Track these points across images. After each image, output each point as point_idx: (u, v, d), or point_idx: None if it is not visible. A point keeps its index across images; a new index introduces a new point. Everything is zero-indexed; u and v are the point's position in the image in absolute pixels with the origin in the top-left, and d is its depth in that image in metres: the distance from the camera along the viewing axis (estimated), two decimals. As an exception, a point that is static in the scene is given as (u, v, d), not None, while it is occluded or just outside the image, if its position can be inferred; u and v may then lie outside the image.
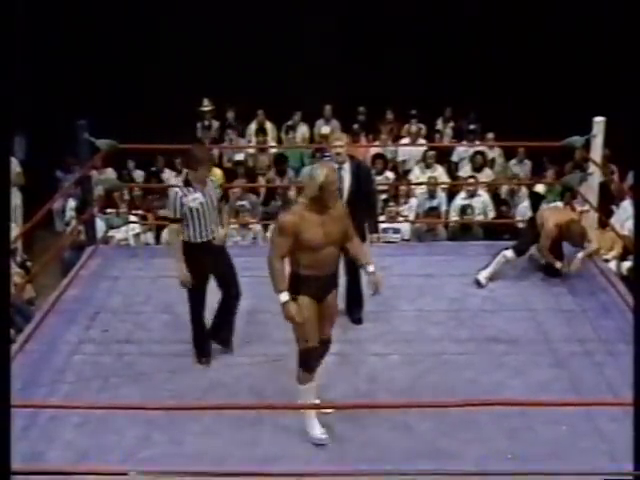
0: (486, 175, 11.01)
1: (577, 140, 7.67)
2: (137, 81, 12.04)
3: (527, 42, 11.90)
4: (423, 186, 10.48)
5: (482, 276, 7.04)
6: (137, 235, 9.50)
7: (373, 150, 11.42)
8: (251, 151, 11.92)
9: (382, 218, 9.39)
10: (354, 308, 6.48)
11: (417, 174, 11.06)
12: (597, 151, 7.58)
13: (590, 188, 7.74)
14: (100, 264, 7.55)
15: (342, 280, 5.94)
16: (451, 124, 12.49)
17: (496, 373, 5.75)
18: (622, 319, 6.39)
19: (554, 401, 5.14)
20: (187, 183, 5.70)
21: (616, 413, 5.05)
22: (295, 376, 5.04)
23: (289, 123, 12.26)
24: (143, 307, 6.77)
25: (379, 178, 10.61)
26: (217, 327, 5.99)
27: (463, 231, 9.56)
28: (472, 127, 11.79)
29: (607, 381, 5.60)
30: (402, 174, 11.37)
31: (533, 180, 10.92)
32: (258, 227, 9.59)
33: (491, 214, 10.11)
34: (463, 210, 9.76)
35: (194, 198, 5.65)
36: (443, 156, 11.52)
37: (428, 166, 11.03)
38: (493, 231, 9.49)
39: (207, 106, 12.36)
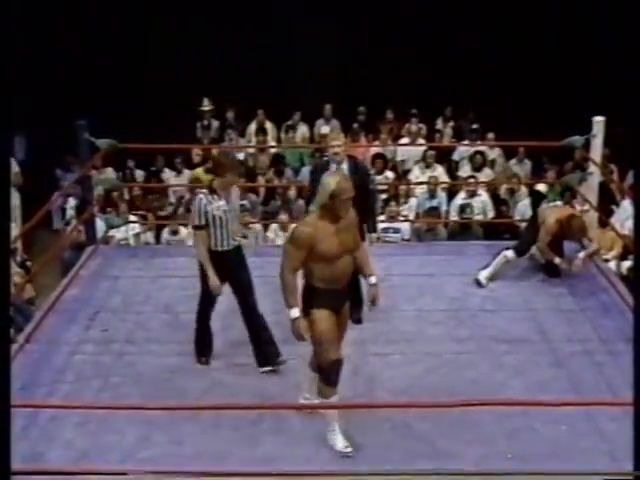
0: (486, 175, 11.02)
1: (577, 140, 7.67)
2: (137, 81, 12.04)
3: (527, 42, 11.90)
4: (423, 186, 10.49)
5: (482, 276, 7.03)
6: (137, 235, 9.51)
7: (373, 150, 11.42)
8: (251, 151, 11.92)
9: (382, 218, 9.41)
10: (354, 308, 6.46)
11: (417, 174, 11.07)
12: (597, 151, 7.58)
13: (590, 188, 7.74)
14: (100, 264, 7.55)
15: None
16: (451, 124, 12.50)
17: (496, 373, 5.75)
18: (622, 319, 6.39)
19: (554, 401, 5.13)
20: (212, 190, 5.62)
21: (616, 413, 5.05)
22: (315, 389, 5.00)
23: (289, 123, 12.26)
24: (143, 307, 6.77)
25: (379, 178, 10.63)
26: (261, 351, 5.85)
27: (462, 230, 9.56)
28: (474, 127, 11.79)
29: (607, 381, 5.60)
30: (402, 174, 11.38)
31: (533, 180, 10.92)
32: (258, 227, 9.59)
33: (490, 214, 10.12)
34: (462, 209, 9.77)
35: (218, 206, 5.58)
36: (443, 156, 11.53)
37: (428, 166, 11.04)
38: (493, 231, 9.49)
39: (207, 106, 12.37)
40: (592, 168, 7.69)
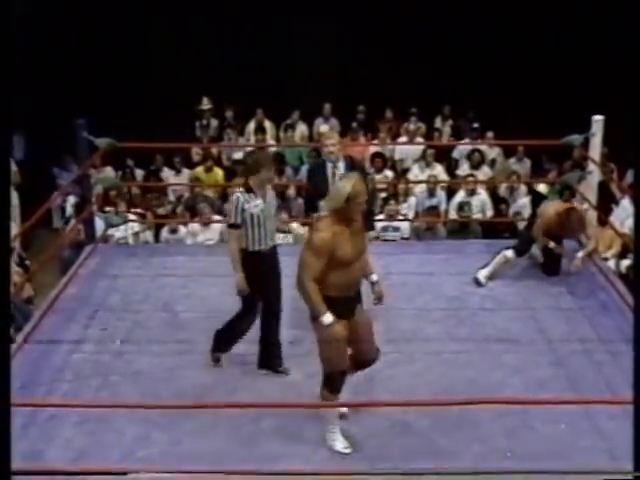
0: (484, 173, 11.03)
1: (576, 139, 7.67)
2: (136, 80, 12.03)
3: (526, 41, 11.90)
4: (422, 184, 10.50)
5: (481, 275, 7.04)
6: (136, 234, 9.50)
7: (372, 149, 11.43)
8: (250, 150, 11.90)
9: (381, 216, 9.41)
10: None
11: (416, 172, 11.07)
12: (596, 149, 7.59)
13: (589, 187, 7.75)
14: (99, 263, 7.55)
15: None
16: (450, 122, 12.50)
17: (495, 372, 5.75)
18: (621, 318, 6.39)
19: (553, 399, 5.14)
20: (248, 189, 5.54)
21: (615, 411, 5.05)
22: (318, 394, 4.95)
23: (288, 122, 12.26)
24: (142, 305, 6.77)
25: (378, 177, 10.63)
26: (266, 355, 5.80)
27: (462, 229, 9.56)
28: (475, 126, 11.79)
29: (606, 379, 5.60)
30: (401, 173, 11.38)
31: (532, 179, 10.92)
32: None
33: (489, 212, 10.12)
34: (460, 207, 9.77)
35: (255, 204, 5.50)
36: (442, 154, 11.53)
37: (427, 164, 11.04)
38: (492, 229, 9.49)
39: (206, 105, 12.37)
40: (591, 167, 7.70)
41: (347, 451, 4.92)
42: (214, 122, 12.36)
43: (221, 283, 7.05)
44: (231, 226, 5.57)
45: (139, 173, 11.48)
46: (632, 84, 5.53)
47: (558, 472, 4.51)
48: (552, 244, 6.95)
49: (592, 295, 6.84)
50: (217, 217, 9.74)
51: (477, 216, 9.87)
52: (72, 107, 9.08)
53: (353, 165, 6.25)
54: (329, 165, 6.14)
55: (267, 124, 12.15)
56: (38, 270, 7.75)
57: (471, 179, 10.41)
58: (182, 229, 9.61)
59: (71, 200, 10.31)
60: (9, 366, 4.00)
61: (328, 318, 4.62)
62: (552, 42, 11.89)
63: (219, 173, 11.22)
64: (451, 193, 10.54)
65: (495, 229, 9.48)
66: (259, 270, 5.55)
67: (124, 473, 4.47)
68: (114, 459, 4.83)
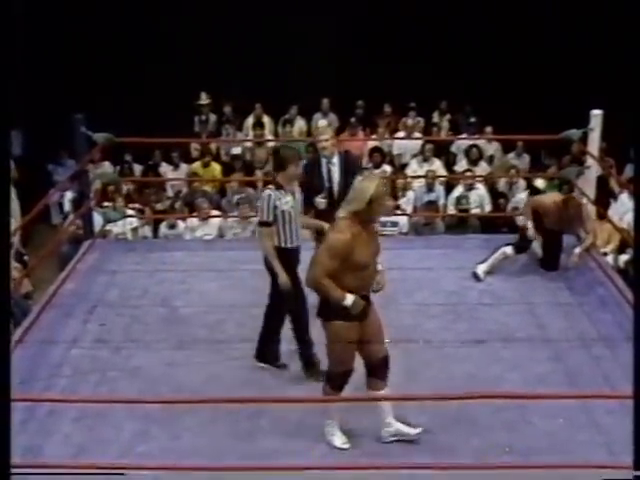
0: (482, 168, 11.03)
1: (574, 133, 7.67)
2: (134, 75, 12.02)
3: (525, 36, 11.89)
4: (421, 179, 10.49)
5: (480, 270, 7.04)
6: (135, 229, 9.50)
7: (371, 143, 11.43)
8: (248, 145, 11.91)
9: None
10: None
11: (415, 167, 11.06)
12: (594, 144, 7.58)
13: (588, 181, 7.74)
14: (97, 258, 7.54)
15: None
16: (448, 117, 12.50)
17: (494, 366, 5.75)
18: (620, 312, 6.39)
19: (551, 394, 5.14)
20: (278, 186, 5.47)
21: (613, 406, 5.06)
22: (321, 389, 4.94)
23: (286, 117, 12.25)
24: (140, 301, 6.77)
25: (377, 172, 10.61)
26: (265, 348, 5.79)
27: (460, 224, 9.56)
28: (472, 120, 11.79)
29: (604, 374, 5.60)
30: (399, 167, 11.38)
31: (531, 174, 10.92)
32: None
33: (488, 207, 10.12)
34: (458, 201, 9.78)
35: (286, 201, 5.46)
36: (441, 149, 11.53)
37: (426, 159, 11.04)
38: (491, 224, 9.49)
39: (204, 100, 12.36)
40: (590, 161, 7.69)
41: (345, 447, 4.92)
42: (212, 117, 12.35)
43: (220, 278, 7.09)
44: (263, 224, 5.49)
45: (137, 168, 11.48)
46: (631, 79, 5.53)
47: (556, 466, 4.51)
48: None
49: (591, 290, 6.83)
50: (215, 212, 9.73)
51: (475, 211, 9.87)
52: (70, 102, 9.07)
53: (348, 160, 6.25)
54: (324, 161, 6.15)
55: (265, 119, 12.15)
56: (36, 265, 7.75)
57: (469, 174, 10.41)
58: (181, 224, 9.62)
59: (69, 195, 10.31)
60: (9, 361, 4.00)
61: (349, 299, 4.55)
62: (551, 37, 11.89)
63: (217, 168, 11.22)
64: (449, 188, 10.54)
65: (494, 224, 9.48)
66: (289, 266, 5.50)
67: (123, 469, 4.46)
68: (112, 454, 4.83)
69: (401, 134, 11.86)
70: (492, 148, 11.65)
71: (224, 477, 4.48)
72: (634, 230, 5.87)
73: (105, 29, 11.98)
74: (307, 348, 5.65)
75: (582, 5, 11.66)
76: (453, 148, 11.77)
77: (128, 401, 5.09)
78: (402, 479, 4.59)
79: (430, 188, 10.34)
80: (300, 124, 12.34)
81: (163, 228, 9.69)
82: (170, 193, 10.78)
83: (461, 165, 11.23)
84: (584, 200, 7.56)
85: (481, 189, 10.26)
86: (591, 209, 7.84)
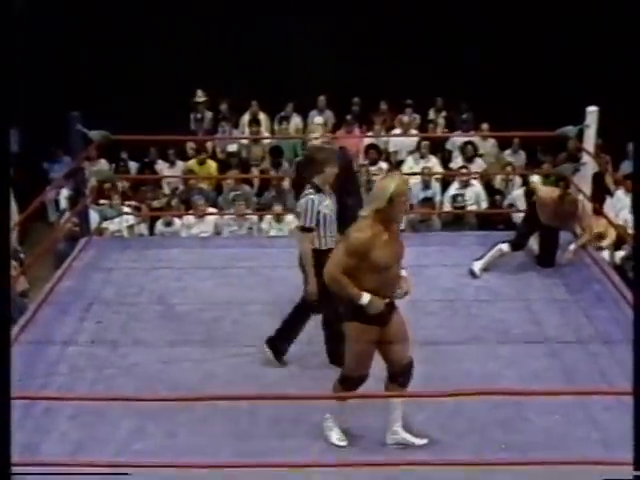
0: (477, 165, 11.03)
1: (570, 130, 7.67)
2: (131, 73, 12.01)
3: (521, 33, 11.90)
4: (417, 176, 10.49)
5: (476, 266, 7.04)
6: (131, 226, 9.50)
7: (367, 140, 11.43)
8: (244, 142, 11.90)
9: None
10: None
11: (411, 164, 11.06)
12: (590, 141, 7.58)
13: (583, 178, 7.75)
14: (94, 255, 7.54)
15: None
16: (444, 114, 12.50)
17: (490, 363, 5.75)
18: (616, 309, 6.40)
19: (548, 390, 5.15)
20: (317, 189, 5.40)
21: (609, 402, 5.07)
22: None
23: (282, 114, 12.24)
24: (137, 298, 6.76)
25: (373, 168, 10.62)
26: (280, 340, 5.76)
27: (456, 221, 9.56)
28: (464, 117, 11.80)
29: (600, 370, 5.61)
30: (395, 164, 11.37)
31: (526, 170, 10.92)
32: (254, 217, 9.59)
33: (484, 204, 10.12)
34: (454, 199, 9.78)
35: (326, 204, 5.40)
36: (437, 146, 11.53)
37: (422, 156, 11.04)
38: (487, 221, 9.50)
39: (200, 97, 12.35)
40: (585, 158, 7.70)
41: (342, 444, 4.91)
42: (209, 114, 12.34)
43: (216, 275, 7.08)
44: (306, 230, 5.39)
45: (133, 166, 11.46)
46: (627, 75, 5.52)
47: (553, 463, 4.51)
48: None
49: (587, 287, 6.84)
50: (212, 209, 9.73)
51: (472, 208, 9.88)
52: (66, 100, 9.06)
53: (339, 157, 6.22)
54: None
55: (262, 116, 12.14)
56: (33, 263, 7.74)
57: (465, 171, 10.42)
58: (177, 222, 9.61)
59: (65, 193, 10.29)
60: (9, 359, 3.99)
61: (366, 297, 4.48)
62: (547, 34, 11.89)
63: (212, 165, 11.22)
64: (446, 185, 10.54)
65: (490, 221, 9.49)
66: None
67: (120, 466, 4.46)
68: (109, 452, 4.82)
69: (397, 131, 11.86)
70: (488, 144, 11.65)
71: (221, 474, 4.48)
72: (633, 230, 5.87)
73: (102, 27, 11.97)
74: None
75: (578, 2, 11.66)
76: (448, 145, 11.77)
77: (125, 399, 5.07)
78: (399, 476, 4.60)
79: (426, 185, 10.34)
80: (296, 121, 12.33)
81: (159, 225, 9.68)
82: (166, 190, 10.78)
83: (457, 162, 11.23)
84: (580, 196, 7.56)
85: (477, 186, 10.26)
86: (588, 205, 7.85)
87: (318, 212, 5.37)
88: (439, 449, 4.85)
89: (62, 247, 8.68)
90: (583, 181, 7.74)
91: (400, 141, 11.74)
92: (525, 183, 10.43)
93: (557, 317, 6.39)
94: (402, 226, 9.47)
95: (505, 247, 7.06)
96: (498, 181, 10.80)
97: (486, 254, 7.08)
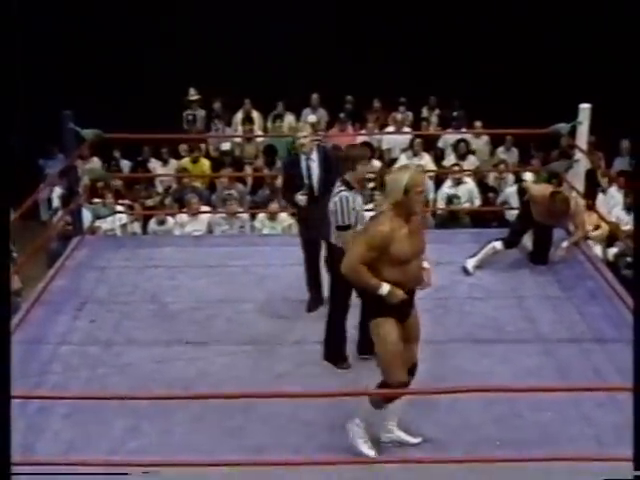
0: (470, 163, 11.04)
1: (563, 127, 7.68)
2: (123, 71, 11.98)
3: (513, 30, 11.90)
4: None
5: (470, 264, 7.05)
6: (124, 225, 9.48)
7: (360, 138, 11.42)
8: (238, 140, 11.89)
9: (369, 206, 9.40)
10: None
11: (404, 162, 11.05)
12: (583, 138, 7.59)
13: (576, 175, 7.76)
14: (87, 254, 7.53)
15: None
16: (437, 112, 12.51)
17: (483, 360, 5.76)
18: (609, 305, 6.42)
19: (541, 387, 5.16)
20: (349, 186, 5.35)
21: (602, 399, 5.08)
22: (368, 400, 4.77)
23: (275, 112, 12.23)
24: (130, 297, 6.75)
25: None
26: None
27: (450, 220, 9.56)
28: (455, 114, 11.81)
29: (594, 367, 5.62)
30: (388, 162, 11.38)
31: (519, 168, 10.93)
32: (245, 216, 9.59)
33: (477, 201, 10.13)
34: (449, 200, 9.78)
35: (359, 202, 5.38)
36: (430, 144, 11.54)
37: (415, 154, 11.04)
38: (480, 219, 9.50)
39: (193, 95, 12.34)
40: (578, 155, 7.71)
41: (372, 453, 4.76)
42: (201, 113, 12.33)
43: (209, 274, 7.08)
44: (344, 228, 5.35)
45: (125, 164, 11.44)
46: (620, 73, 5.54)
47: (546, 459, 4.52)
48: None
49: (580, 283, 6.85)
50: (205, 208, 9.72)
51: (465, 205, 9.88)
52: (59, 98, 9.03)
53: (326, 156, 6.23)
54: (303, 158, 6.14)
55: (255, 114, 12.14)
56: (25, 262, 7.71)
57: (457, 168, 10.43)
58: (170, 220, 9.59)
59: (58, 192, 10.27)
60: (9, 358, 3.99)
61: (385, 287, 4.44)
62: (540, 32, 11.90)
63: (205, 164, 11.21)
64: (439, 182, 10.54)
65: (483, 218, 9.49)
66: None
67: (113, 469, 4.45)
68: (103, 451, 4.82)
69: (390, 129, 11.86)
70: (482, 141, 11.67)
71: (215, 472, 4.48)
72: (634, 231, 5.84)
73: (95, 26, 11.94)
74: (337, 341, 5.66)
75: (571, 0, 11.68)
76: (440, 143, 11.77)
77: (119, 397, 5.08)
78: (394, 474, 4.60)
79: (419, 183, 10.33)
80: (289, 119, 12.32)
81: (152, 224, 9.66)
82: (159, 189, 10.76)
83: (449, 160, 11.25)
84: (573, 194, 7.58)
85: (470, 183, 10.27)
86: (580, 202, 7.87)
87: (354, 209, 5.32)
88: (433, 446, 4.85)
89: (55, 246, 8.67)
90: (576, 178, 7.75)
91: (393, 139, 11.74)
92: (518, 180, 10.45)
93: (550, 314, 6.40)
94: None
95: (498, 245, 7.07)
96: (491, 178, 10.81)
97: (479, 252, 7.09)
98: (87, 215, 8.53)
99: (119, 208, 9.58)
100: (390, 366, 4.59)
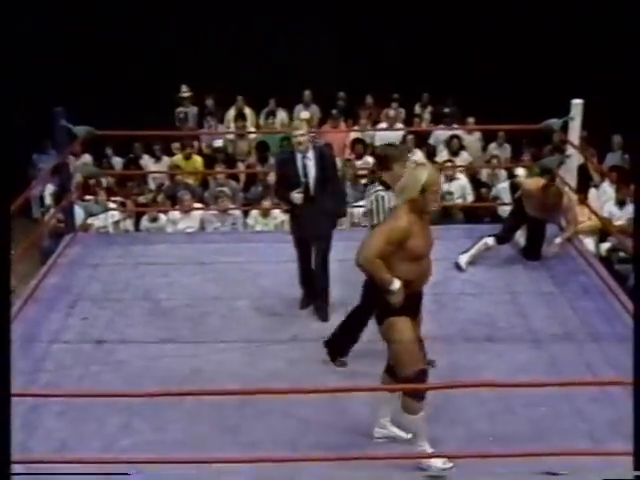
0: (463, 159, 11.04)
1: (555, 123, 7.69)
2: (115, 68, 11.94)
3: (506, 26, 11.90)
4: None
5: (462, 260, 7.05)
6: (116, 222, 9.47)
7: (353, 135, 11.42)
8: (230, 137, 11.88)
9: (363, 202, 9.39)
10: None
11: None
12: (575, 133, 7.60)
13: (569, 170, 7.77)
14: (79, 252, 7.51)
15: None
16: (429, 109, 12.51)
17: (477, 356, 5.76)
18: (601, 300, 6.43)
19: (534, 382, 5.16)
20: (386, 186, 5.28)
21: (595, 393, 5.10)
22: (401, 406, 4.71)
23: (268, 109, 12.22)
24: (123, 294, 6.75)
25: (359, 163, 10.62)
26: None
27: (443, 216, 9.55)
28: (446, 110, 11.81)
29: (586, 362, 5.63)
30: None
31: (512, 164, 10.94)
32: (237, 212, 9.58)
33: (470, 197, 10.14)
34: (442, 196, 9.78)
35: (394, 202, 5.28)
36: (422, 140, 11.54)
37: (408, 150, 11.03)
38: (473, 214, 9.51)
39: (185, 92, 12.31)
40: (570, 150, 7.72)
41: (449, 465, 4.66)
42: (194, 110, 12.31)
43: (202, 271, 7.07)
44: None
45: (117, 161, 11.42)
46: (612, 68, 5.54)
47: (539, 454, 4.53)
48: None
49: (573, 278, 6.86)
50: (197, 205, 9.71)
51: (457, 201, 9.89)
52: (50, 95, 9.00)
53: (322, 154, 6.22)
54: (299, 156, 6.10)
55: (247, 111, 12.12)
56: (18, 260, 7.67)
57: (450, 164, 10.43)
58: (162, 217, 9.58)
59: (49, 189, 10.25)
60: (9, 360, 3.97)
61: (397, 283, 4.44)
62: (531, 27, 11.90)
63: (198, 160, 11.19)
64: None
65: (476, 214, 9.50)
66: None
67: (107, 463, 4.45)
68: (96, 448, 4.81)
69: (383, 125, 11.86)
70: (474, 137, 11.67)
71: (209, 470, 4.47)
72: (633, 232, 5.78)
73: (88, 24, 11.90)
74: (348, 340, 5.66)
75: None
76: (431, 140, 11.76)
77: (112, 395, 5.07)
78: (387, 469, 4.60)
79: (412, 179, 10.33)
80: (282, 116, 12.31)
81: (145, 221, 9.64)
82: (152, 186, 10.74)
83: (442, 156, 11.24)
84: (566, 189, 7.59)
85: (462, 179, 10.27)
86: (573, 198, 7.88)
87: (390, 209, 5.22)
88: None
89: (47, 243, 8.65)
90: (568, 173, 7.76)
91: (386, 135, 11.72)
92: (511, 176, 10.46)
93: (543, 309, 6.41)
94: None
95: (491, 241, 7.07)
96: (484, 174, 10.81)
97: (472, 247, 7.10)
98: (79, 212, 8.51)
99: (111, 205, 9.57)
100: (407, 359, 4.58)
